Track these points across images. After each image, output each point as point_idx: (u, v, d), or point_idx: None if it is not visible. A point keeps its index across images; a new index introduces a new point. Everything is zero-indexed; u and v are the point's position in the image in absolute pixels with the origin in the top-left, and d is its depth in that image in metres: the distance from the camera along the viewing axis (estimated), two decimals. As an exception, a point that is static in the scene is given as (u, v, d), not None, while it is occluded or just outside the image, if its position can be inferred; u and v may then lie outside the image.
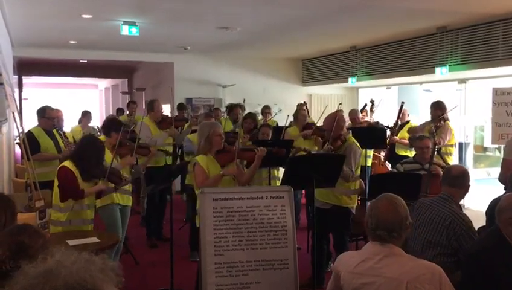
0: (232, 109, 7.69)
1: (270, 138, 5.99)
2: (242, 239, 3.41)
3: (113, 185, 4.26)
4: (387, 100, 10.44)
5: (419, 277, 2.13)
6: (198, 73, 10.62)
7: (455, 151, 7.22)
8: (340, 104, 5.49)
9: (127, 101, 10.65)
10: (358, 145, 4.64)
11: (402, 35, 8.18)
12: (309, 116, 7.76)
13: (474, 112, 9.66)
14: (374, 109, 8.22)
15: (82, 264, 1.10)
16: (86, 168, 3.96)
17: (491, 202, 3.65)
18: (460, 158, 8.72)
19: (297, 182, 4.12)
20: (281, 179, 4.86)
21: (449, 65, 7.54)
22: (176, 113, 8.48)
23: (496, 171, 10.05)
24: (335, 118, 4.65)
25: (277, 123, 7.98)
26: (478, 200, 5.13)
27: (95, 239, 3.75)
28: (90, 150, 4.01)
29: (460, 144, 8.68)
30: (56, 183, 3.98)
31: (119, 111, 10.82)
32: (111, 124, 4.60)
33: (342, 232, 4.58)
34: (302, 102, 8.80)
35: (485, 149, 11.23)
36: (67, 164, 3.96)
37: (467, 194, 3.53)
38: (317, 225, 4.48)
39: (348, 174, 4.42)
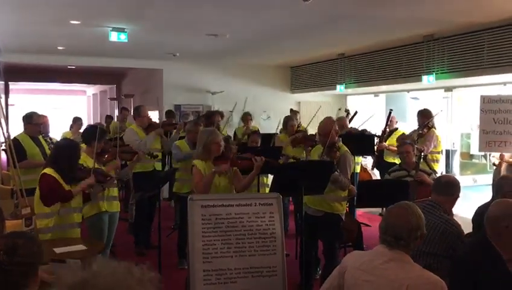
0: (210, 116, 7.62)
1: (259, 145, 5.99)
2: (231, 246, 3.40)
3: (100, 184, 4.28)
4: (375, 108, 10.54)
5: (420, 286, 2.14)
6: (187, 80, 10.62)
7: (442, 158, 7.30)
8: (339, 109, 5.55)
9: (120, 108, 10.60)
10: (349, 152, 4.66)
11: (389, 44, 8.27)
12: (301, 125, 7.75)
13: (460, 119, 9.79)
14: (349, 118, 8.25)
15: (120, 275, 1.08)
16: (65, 171, 3.96)
17: (478, 208, 3.69)
18: (447, 165, 8.81)
19: (286, 189, 4.12)
20: (269, 186, 4.87)
21: (436, 73, 7.63)
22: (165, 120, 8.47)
23: (482, 178, 10.21)
24: (334, 124, 4.63)
25: (258, 129, 7.99)
26: (464, 207, 5.19)
27: (81, 247, 3.72)
28: (64, 153, 4.01)
29: (447, 151, 8.79)
30: (37, 192, 3.94)
31: (109, 118, 10.76)
32: (93, 133, 4.57)
33: (333, 239, 4.58)
34: (292, 109, 8.82)
35: (472, 156, 11.37)
36: (47, 171, 3.94)
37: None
38: (307, 232, 4.48)
39: (345, 183, 4.42)
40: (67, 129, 9.15)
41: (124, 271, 1.10)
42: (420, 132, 6.33)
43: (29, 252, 1.89)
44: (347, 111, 8.45)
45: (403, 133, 7.08)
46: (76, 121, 8.81)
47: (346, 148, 4.63)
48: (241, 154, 4.65)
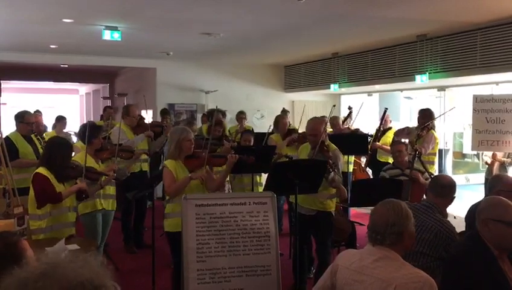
0: (213, 114, 7.61)
1: (252, 144, 5.99)
2: (225, 245, 3.40)
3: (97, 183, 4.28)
4: (369, 107, 10.57)
5: (408, 284, 2.14)
6: (181, 79, 10.60)
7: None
8: (334, 106, 5.58)
9: (104, 107, 10.54)
10: (339, 150, 4.67)
11: (383, 43, 8.29)
12: (290, 124, 7.76)
13: (453, 118, 9.83)
14: (352, 116, 8.26)
15: (81, 262, 1.09)
16: (57, 170, 3.95)
17: (470, 207, 3.70)
18: (440, 164, 8.84)
19: (280, 188, 4.12)
20: (263, 185, 4.87)
21: (429, 73, 7.66)
22: (159, 119, 8.45)
23: (475, 177, 10.26)
24: (324, 123, 4.64)
25: (252, 128, 7.98)
26: (457, 206, 5.20)
27: (75, 246, 3.71)
28: (56, 152, 3.99)
29: (440, 151, 8.82)
30: (31, 192, 3.92)
31: (102, 119, 10.71)
32: (91, 130, 4.54)
33: (326, 236, 4.59)
34: (283, 109, 8.83)
35: (464, 155, 11.43)
36: (40, 170, 3.92)
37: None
38: (301, 231, 4.48)
39: (340, 182, 4.42)
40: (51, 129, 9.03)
41: (84, 258, 1.12)
42: (419, 132, 6.17)
43: (11, 258, 1.84)
44: (350, 109, 8.43)
45: (398, 130, 7.05)
46: (60, 120, 8.67)
47: (335, 146, 4.65)
48: (234, 153, 4.64)
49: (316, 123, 4.60)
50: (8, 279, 1.07)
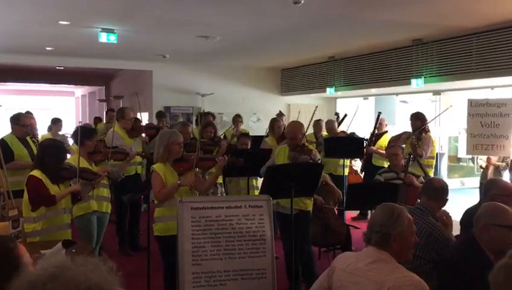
0: (203, 117, 7.61)
1: (249, 147, 5.99)
2: (220, 248, 3.39)
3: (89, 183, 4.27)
4: (365, 111, 10.59)
5: (400, 287, 2.15)
6: (177, 81, 10.60)
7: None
8: (317, 106, 5.61)
9: (106, 109, 10.53)
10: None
11: (379, 47, 8.32)
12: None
13: (448, 123, 9.89)
14: (339, 120, 8.25)
15: (91, 266, 1.10)
16: (51, 172, 3.93)
17: (465, 211, 3.72)
18: (435, 168, 8.86)
19: (276, 191, 4.13)
20: (259, 188, 4.88)
21: (424, 77, 7.69)
22: (155, 121, 8.45)
23: (470, 181, 10.30)
24: (303, 127, 4.74)
25: (248, 132, 7.98)
26: (452, 209, 5.22)
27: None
28: (49, 154, 3.97)
29: (436, 154, 8.85)
30: (26, 195, 3.90)
31: (97, 120, 10.69)
32: (83, 132, 4.54)
33: (307, 235, 4.62)
34: (279, 112, 8.83)
35: (459, 159, 11.48)
36: (34, 172, 3.91)
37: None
38: (289, 231, 4.50)
39: (321, 181, 4.49)
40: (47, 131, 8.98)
41: (95, 263, 1.12)
42: (420, 136, 6.12)
43: (4, 265, 1.82)
44: (337, 114, 8.47)
45: (393, 137, 7.05)
46: (56, 122, 8.62)
47: (313, 148, 4.77)
48: (231, 156, 4.64)
49: (294, 127, 4.76)
50: (17, 281, 1.07)
